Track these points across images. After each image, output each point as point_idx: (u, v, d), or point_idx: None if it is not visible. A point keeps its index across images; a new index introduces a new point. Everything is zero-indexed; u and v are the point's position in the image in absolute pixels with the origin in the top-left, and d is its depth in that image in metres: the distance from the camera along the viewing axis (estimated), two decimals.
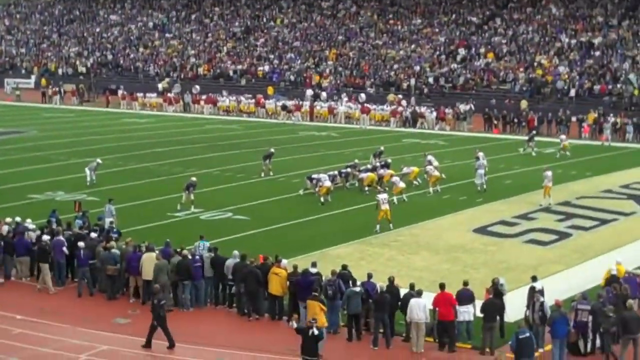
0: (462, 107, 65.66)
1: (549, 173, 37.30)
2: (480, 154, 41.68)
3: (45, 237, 26.31)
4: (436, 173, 39.77)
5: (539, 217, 34.73)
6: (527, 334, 19.33)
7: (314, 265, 23.43)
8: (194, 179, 36.42)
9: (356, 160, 42.45)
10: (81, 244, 25.57)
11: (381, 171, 40.01)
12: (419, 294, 21.51)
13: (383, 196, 32.66)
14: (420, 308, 21.08)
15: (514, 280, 25.18)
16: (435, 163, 41.26)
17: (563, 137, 52.25)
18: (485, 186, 39.76)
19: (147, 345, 21.34)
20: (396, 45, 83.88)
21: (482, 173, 39.97)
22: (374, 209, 32.80)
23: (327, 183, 37.25)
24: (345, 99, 71.85)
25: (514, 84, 72.62)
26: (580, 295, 21.64)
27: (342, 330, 22.16)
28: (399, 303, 21.82)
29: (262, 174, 42.89)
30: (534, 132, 55.88)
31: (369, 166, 41.75)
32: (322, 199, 36.79)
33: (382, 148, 45.99)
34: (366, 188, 38.89)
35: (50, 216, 29.57)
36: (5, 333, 22.10)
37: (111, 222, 29.80)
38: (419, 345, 21.21)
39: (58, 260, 26.05)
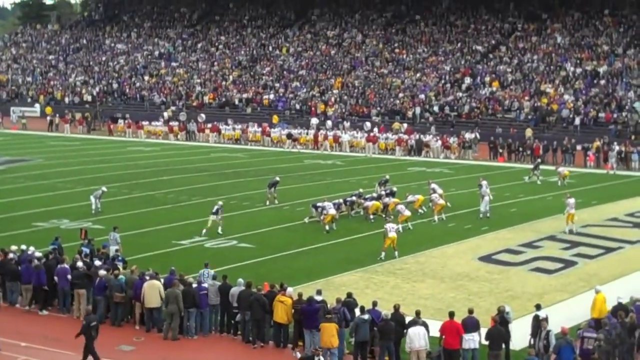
0: (468, 136, 65.82)
1: (572, 200, 37.32)
2: (484, 183, 41.70)
3: (79, 264, 25.82)
4: (441, 201, 39.76)
5: (544, 246, 34.67)
6: None
7: (318, 293, 23.40)
8: (220, 202, 36.74)
9: (360, 190, 42.39)
10: (102, 272, 25.25)
11: (386, 199, 40.00)
12: (424, 323, 21.44)
13: (390, 225, 32.66)
14: (421, 336, 21.01)
15: (519, 308, 25.11)
16: (440, 191, 41.24)
17: (561, 169, 52.30)
18: (488, 214, 39.79)
19: None
20: (401, 73, 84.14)
21: (487, 201, 40.07)
22: (379, 237, 32.81)
23: (332, 211, 37.24)
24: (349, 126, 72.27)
25: (519, 113, 72.76)
26: (586, 323, 21.57)
27: (347, 358, 22.06)
28: (405, 331, 21.78)
29: (267, 202, 42.87)
30: (539, 160, 56.02)
31: (374, 194, 41.74)
32: (327, 227, 36.78)
33: (387, 176, 45.93)
34: (371, 216, 38.88)
35: (53, 244, 29.41)
36: None
37: (117, 250, 29.80)
38: None
39: (62, 287, 25.97)
